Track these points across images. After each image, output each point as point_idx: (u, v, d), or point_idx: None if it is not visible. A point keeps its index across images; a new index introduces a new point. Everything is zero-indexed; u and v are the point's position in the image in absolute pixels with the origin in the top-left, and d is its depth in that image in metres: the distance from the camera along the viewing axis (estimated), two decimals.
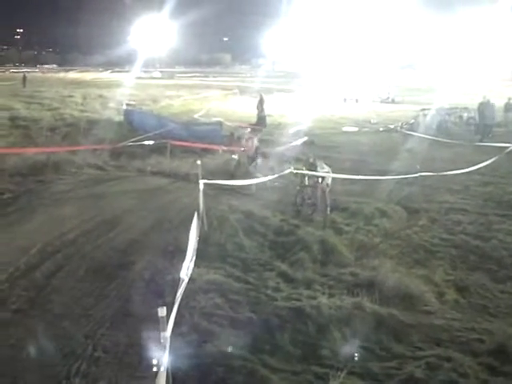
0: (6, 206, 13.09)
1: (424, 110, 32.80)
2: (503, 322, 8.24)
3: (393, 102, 49.52)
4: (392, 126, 31.62)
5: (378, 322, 7.77)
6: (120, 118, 32.84)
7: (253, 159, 17.39)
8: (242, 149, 18.01)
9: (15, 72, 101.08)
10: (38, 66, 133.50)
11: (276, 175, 14.79)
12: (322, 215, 13.43)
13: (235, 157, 18.12)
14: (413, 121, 31.62)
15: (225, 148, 20.30)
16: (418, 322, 8.07)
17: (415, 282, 9.42)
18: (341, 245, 11.19)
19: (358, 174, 15.62)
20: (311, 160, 14.42)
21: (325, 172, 13.92)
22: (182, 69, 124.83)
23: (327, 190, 13.89)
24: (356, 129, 31.88)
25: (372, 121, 34.99)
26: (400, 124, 31.77)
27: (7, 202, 13.49)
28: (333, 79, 64.23)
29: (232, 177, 16.00)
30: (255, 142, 17.91)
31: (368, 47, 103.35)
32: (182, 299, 6.56)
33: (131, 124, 30.40)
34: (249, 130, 21.09)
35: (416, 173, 15.87)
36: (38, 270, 9.19)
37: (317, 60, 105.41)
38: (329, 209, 13.75)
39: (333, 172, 14.32)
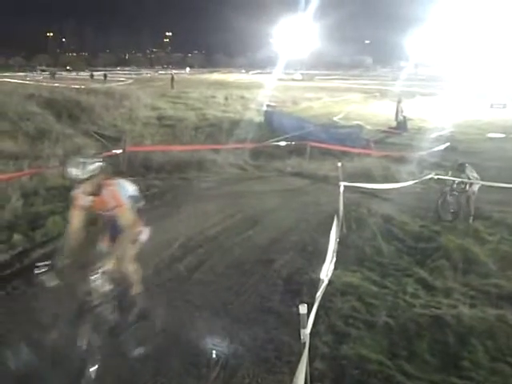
0: (153, 201, 13.68)
1: None
2: None
3: None
4: None
5: None
6: (260, 118, 33.53)
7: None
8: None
9: (163, 73, 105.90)
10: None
11: (417, 180, 14.52)
12: (463, 223, 13.02)
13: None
14: None
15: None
16: None
17: None
18: (483, 254, 10.75)
19: (504, 183, 14.92)
20: (459, 163, 14.02)
21: (473, 178, 13.51)
22: (323, 71, 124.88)
23: (473, 197, 13.45)
24: (503, 135, 30.51)
25: None
26: None
27: (154, 196, 14.11)
28: (479, 83, 61.85)
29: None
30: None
31: None
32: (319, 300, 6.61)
33: (271, 125, 30.98)
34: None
35: None
36: (180, 263, 9.57)
37: (462, 63, 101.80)
38: (471, 217, 13.31)
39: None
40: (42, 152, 17.24)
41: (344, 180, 12.07)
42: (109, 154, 16.48)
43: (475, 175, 13.64)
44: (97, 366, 5.70)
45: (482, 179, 14.01)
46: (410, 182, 14.42)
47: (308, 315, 5.26)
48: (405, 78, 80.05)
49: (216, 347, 6.83)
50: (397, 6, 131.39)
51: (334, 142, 23.28)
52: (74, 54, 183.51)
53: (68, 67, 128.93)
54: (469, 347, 7.08)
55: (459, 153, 22.52)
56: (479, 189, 13.65)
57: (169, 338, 6.93)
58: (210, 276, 9.12)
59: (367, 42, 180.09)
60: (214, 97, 47.79)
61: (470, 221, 13.22)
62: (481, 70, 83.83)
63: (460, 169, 13.66)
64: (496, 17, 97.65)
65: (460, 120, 34.89)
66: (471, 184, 13.39)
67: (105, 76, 78.98)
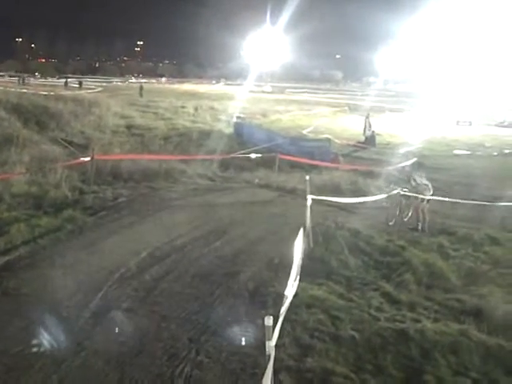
0: (120, 210, 13.60)
1: None
2: None
3: (509, 126, 47.68)
4: (507, 151, 30.57)
5: (485, 352, 7.47)
6: (230, 130, 33.56)
7: None
8: None
9: (133, 82, 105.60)
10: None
11: (383, 195, 14.66)
12: (428, 238, 13.20)
13: None
14: None
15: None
16: None
17: None
18: (447, 269, 10.86)
19: (468, 199, 15.11)
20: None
21: (425, 185, 13.89)
22: (294, 84, 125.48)
23: (421, 205, 13.95)
24: (468, 152, 31.05)
25: (486, 144, 33.98)
26: None
27: (121, 205, 14.01)
28: (446, 100, 62.83)
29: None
30: None
31: (484, 69, 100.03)
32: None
33: (241, 136, 31.05)
34: None
35: None
36: (147, 273, 9.50)
37: (430, 80, 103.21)
38: (420, 225, 13.82)
39: (441, 195, 14.09)
40: (8, 158, 16.96)
41: (312, 193, 12.09)
42: (77, 161, 16.33)
43: (425, 182, 14.05)
44: None
45: (448, 195, 14.24)
46: (376, 197, 14.57)
47: (273, 327, 5.24)
48: (374, 94, 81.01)
49: (181, 359, 6.78)
50: (368, 22, 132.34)
51: (302, 154, 23.39)
52: (43, 61, 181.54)
53: (37, 73, 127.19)
54: (432, 361, 7.12)
55: (426, 168, 22.76)
56: (443, 205, 13.90)
57: (133, 349, 6.88)
58: (176, 286, 9.07)
59: (338, 56, 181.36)
60: (183, 107, 47.71)
61: (419, 228, 13.90)
62: (448, 88, 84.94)
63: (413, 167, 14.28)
64: (464, 35, 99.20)
65: (427, 136, 35.41)
66: (417, 192, 14.03)
67: (80, 83, 76.25)
